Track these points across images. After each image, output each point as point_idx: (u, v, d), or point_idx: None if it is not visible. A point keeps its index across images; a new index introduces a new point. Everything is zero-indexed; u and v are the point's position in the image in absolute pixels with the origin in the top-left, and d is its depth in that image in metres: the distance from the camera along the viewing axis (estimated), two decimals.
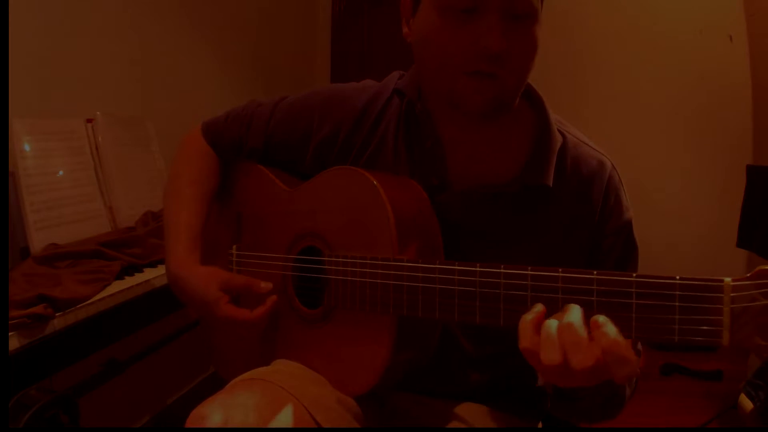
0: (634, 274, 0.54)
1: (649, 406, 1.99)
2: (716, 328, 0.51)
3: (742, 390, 1.56)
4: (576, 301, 0.56)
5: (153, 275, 1.30)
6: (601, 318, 0.53)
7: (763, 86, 2.52)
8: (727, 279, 0.50)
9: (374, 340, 0.73)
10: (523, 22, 0.69)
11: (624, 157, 1.01)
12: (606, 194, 0.78)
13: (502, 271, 0.61)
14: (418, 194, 0.78)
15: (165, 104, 2.01)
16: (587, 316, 0.55)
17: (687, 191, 2.73)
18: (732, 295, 0.50)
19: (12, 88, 1.21)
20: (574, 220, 0.78)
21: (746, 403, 1.51)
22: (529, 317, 0.57)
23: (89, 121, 1.52)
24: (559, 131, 0.79)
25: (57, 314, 1.04)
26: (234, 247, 0.96)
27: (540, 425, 0.94)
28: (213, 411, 0.67)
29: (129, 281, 1.25)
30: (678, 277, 0.52)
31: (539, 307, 0.57)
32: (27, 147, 1.33)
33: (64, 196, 1.38)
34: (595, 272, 0.56)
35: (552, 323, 0.55)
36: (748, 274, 0.50)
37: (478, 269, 0.63)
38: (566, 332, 0.54)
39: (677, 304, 0.52)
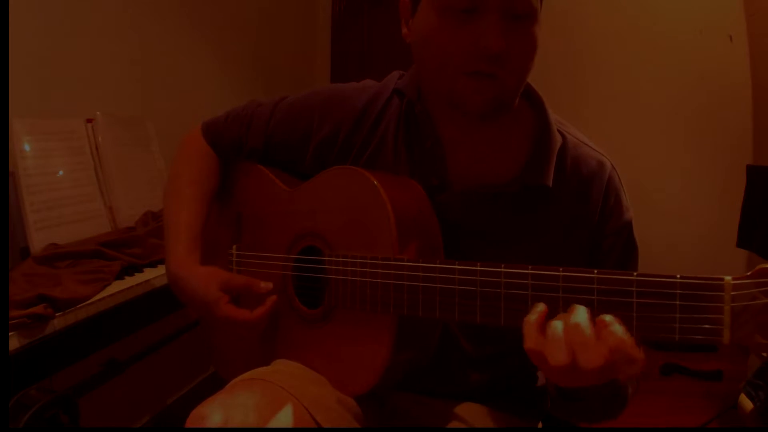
0: (635, 273, 0.54)
1: (649, 406, 1.99)
2: (717, 326, 0.51)
3: (742, 390, 1.56)
4: (577, 300, 0.57)
5: (153, 275, 1.30)
6: (608, 317, 0.53)
7: (763, 86, 2.52)
8: (728, 278, 0.50)
9: (374, 340, 0.73)
10: (523, 22, 0.69)
11: (624, 157, 1.01)
12: (606, 194, 0.78)
13: (502, 270, 0.61)
14: (418, 194, 0.78)
15: (165, 104, 2.01)
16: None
17: (687, 191, 2.73)
18: (732, 293, 0.50)
19: (12, 88, 1.21)
20: (574, 220, 0.78)
21: (746, 403, 1.51)
22: (532, 318, 0.57)
23: (89, 121, 1.52)
24: (559, 131, 0.79)
25: (57, 314, 1.04)
26: (234, 247, 0.96)
27: (540, 425, 0.94)
28: (213, 411, 0.66)
29: (129, 281, 1.25)
30: (678, 276, 0.52)
31: (541, 307, 0.57)
32: (27, 147, 1.33)
33: (64, 196, 1.38)
34: (595, 271, 0.56)
35: (558, 324, 0.55)
36: (749, 273, 0.50)
37: (478, 268, 0.63)
38: (573, 332, 0.53)
39: (678, 302, 0.52)
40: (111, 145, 1.54)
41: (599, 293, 0.56)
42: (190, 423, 0.66)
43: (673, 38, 2.65)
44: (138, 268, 1.33)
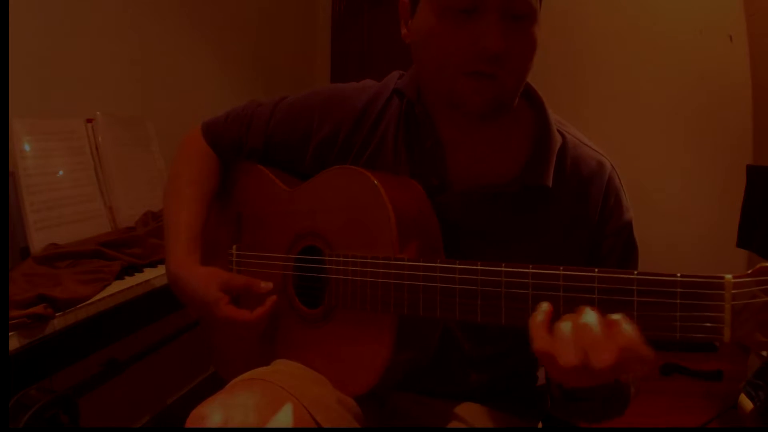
0: (636, 272, 0.54)
1: (649, 406, 1.99)
2: (717, 324, 0.51)
3: (742, 390, 1.56)
4: (577, 299, 0.57)
5: (153, 275, 1.30)
6: (617, 316, 0.53)
7: (763, 86, 2.52)
8: (728, 276, 0.50)
9: (375, 340, 0.73)
10: (522, 22, 0.69)
11: (624, 157, 1.01)
12: (606, 195, 0.78)
13: (503, 269, 0.61)
14: (419, 194, 0.78)
15: (165, 104, 2.01)
16: None
17: (687, 191, 2.73)
18: (733, 291, 0.50)
19: (12, 88, 1.21)
20: (574, 220, 0.78)
21: (746, 403, 1.51)
22: (539, 318, 0.56)
23: (89, 121, 1.52)
24: (559, 131, 0.79)
25: (57, 314, 1.04)
26: (234, 247, 0.96)
27: (540, 425, 0.94)
28: (213, 411, 0.66)
29: (129, 281, 1.25)
30: (679, 275, 0.52)
31: (546, 306, 0.57)
32: (27, 147, 1.33)
33: (64, 196, 1.38)
34: (596, 270, 0.56)
35: (566, 324, 0.54)
36: (749, 271, 0.50)
37: (479, 267, 0.63)
38: (583, 332, 0.53)
39: (678, 301, 0.52)
40: (111, 145, 1.54)
41: (600, 292, 0.56)
42: (190, 423, 0.66)
43: (673, 38, 2.65)
44: (138, 268, 1.33)
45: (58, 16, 1.56)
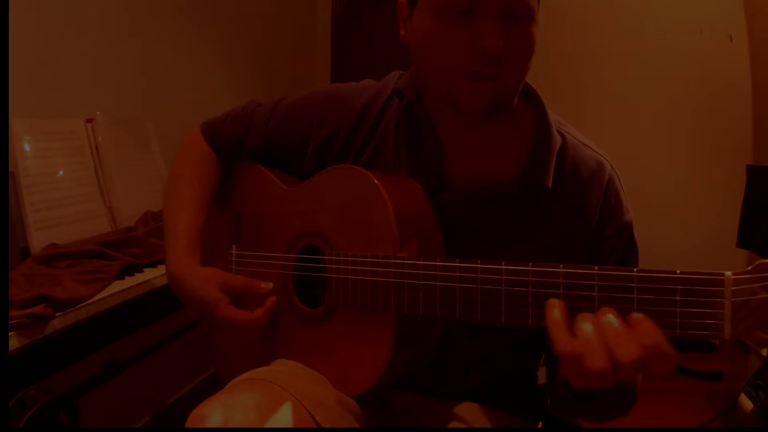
0: (635, 269, 0.54)
1: (649, 406, 1.99)
2: (717, 321, 0.51)
3: (742, 390, 1.56)
4: (577, 296, 0.56)
5: (153, 275, 1.30)
6: (639, 315, 0.53)
7: (763, 86, 2.52)
8: (728, 273, 0.50)
9: (375, 340, 0.73)
10: (520, 22, 0.69)
11: (624, 157, 1.01)
12: (605, 196, 0.78)
13: (503, 267, 0.61)
14: (418, 193, 0.78)
15: (165, 104, 2.01)
16: (589, 312, 0.55)
17: (687, 191, 2.73)
18: (733, 288, 0.50)
19: (12, 88, 1.21)
20: (574, 221, 0.78)
21: (746, 403, 1.51)
22: (556, 315, 0.55)
23: (89, 121, 1.52)
24: (559, 132, 0.79)
25: (57, 314, 1.04)
26: (234, 247, 0.96)
27: (540, 425, 0.94)
28: (213, 411, 0.66)
29: (129, 281, 1.25)
30: (679, 272, 0.52)
31: (558, 302, 0.56)
32: (27, 147, 1.33)
33: (64, 196, 1.38)
34: (596, 268, 0.56)
35: (588, 325, 0.53)
36: (749, 268, 0.50)
37: (479, 266, 0.63)
38: (607, 330, 0.52)
39: (678, 298, 0.52)
40: (111, 145, 1.55)
41: (600, 289, 0.56)
42: (190, 423, 0.66)
43: (673, 38, 2.64)
44: (138, 268, 1.33)
45: (58, 16, 1.56)
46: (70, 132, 1.46)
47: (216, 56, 2.36)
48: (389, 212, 0.71)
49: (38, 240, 1.28)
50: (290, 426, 0.68)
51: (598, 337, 0.52)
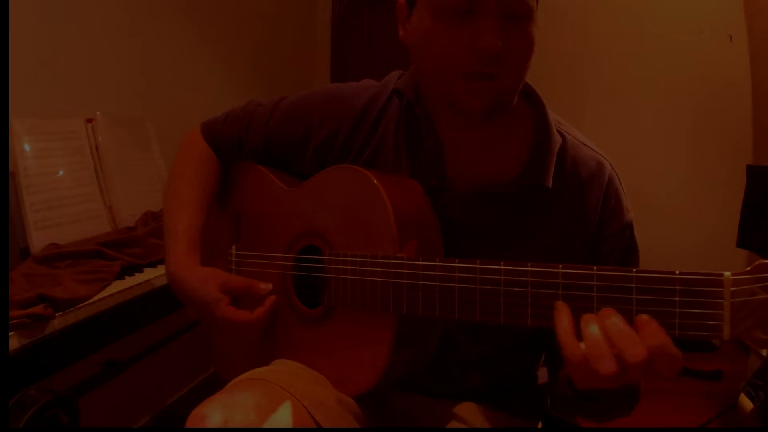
0: (634, 269, 0.54)
1: (649, 406, 1.99)
2: (716, 322, 0.51)
3: (742, 390, 1.56)
4: (576, 297, 0.57)
5: (153, 275, 1.30)
6: (644, 317, 0.53)
7: (763, 86, 2.52)
8: (727, 273, 0.50)
9: (375, 340, 0.73)
10: (519, 22, 0.68)
11: (624, 157, 1.01)
12: (606, 196, 0.78)
13: (502, 267, 0.61)
14: (418, 193, 0.78)
15: (165, 104, 2.01)
16: (589, 312, 0.55)
17: (687, 191, 2.73)
18: (732, 289, 0.50)
19: (12, 88, 1.21)
20: (574, 221, 0.78)
21: (746, 403, 1.51)
22: (565, 323, 0.55)
23: (89, 121, 1.52)
24: (559, 132, 0.79)
25: (57, 314, 1.04)
26: (233, 247, 0.96)
27: (540, 425, 0.94)
28: (213, 411, 0.66)
29: (129, 281, 1.25)
30: (678, 272, 0.52)
31: (567, 308, 0.56)
32: (27, 147, 1.33)
33: (64, 196, 1.38)
34: (595, 268, 0.56)
35: (594, 329, 0.53)
36: (748, 268, 0.50)
37: (478, 266, 0.63)
38: (613, 331, 0.52)
39: (677, 298, 0.52)
40: (111, 145, 1.55)
41: (599, 290, 0.56)
42: (190, 423, 0.66)
43: (673, 38, 2.64)
44: (138, 268, 1.33)
45: (58, 16, 1.56)
46: (70, 132, 1.46)
47: (216, 56, 2.36)
48: (389, 212, 0.71)
49: (38, 240, 1.28)
50: (289, 425, 0.68)
51: (606, 340, 0.53)
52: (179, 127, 1.07)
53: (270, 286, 0.85)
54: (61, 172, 1.39)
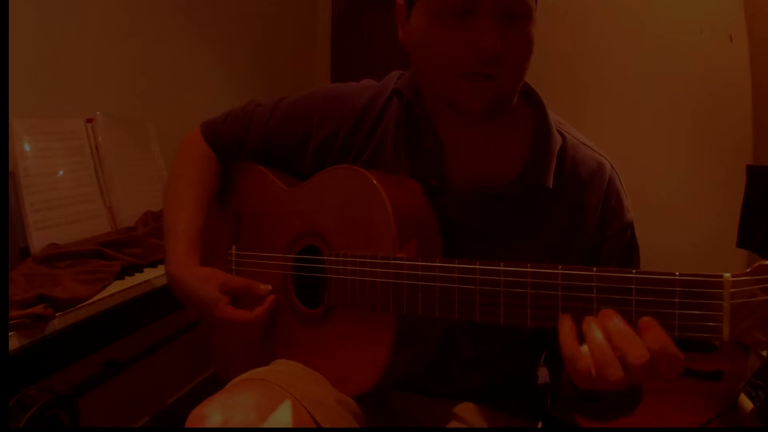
0: (634, 271, 0.54)
1: (649, 406, 1.99)
2: (716, 323, 0.51)
3: (742, 390, 1.56)
4: (576, 298, 0.57)
5: (153, 275, 1.30)
6: (646, 319, 0.53)
7: (763, 86, 2.52)
8: (727, 274, 0.50)
9: (374, 340, 0.73)
10: (518, 22, 0.68)
11: (624, 157, 1.01)
12: (606, 196, 0.78)
13: (501, 268, 0.61)
14: (418, 193, 0.78)
15: (165, 104, 2.01)
16: (589, 313, 0.55)
17: (687, 191, 2.73)
18: (732, 290, 0.50)
19: (12, 88, 1.21)
20: (574, 221, 0.78)
21: (746, 403, 1.51)
22: (570, 333, 0.55)
23: (89, 121, 1.52)
24: (559, 132, 0.79)
25: (57, 314, 1.04)
26: (233, 247, 0.96)
27: (540, 425, 0.94)
28: (213, 411, 0.66)
29: (129, 281, 1.25)
30: (677, 273, 0.52)
31: (570, 319, 0.56)
32: (27, 147, 1.33)
33: (64, 196, 1.38)
34: (594, 269, 0.56)
35: (597, 334, 0.54)
36: (748, 270, 0.50)
37: (477, 267, 0.63)
38: (615, 333, 0.53)
39: (677, 299, 0.52)
40: (111, 145, 1.55)
41: (599, 291, 0.56)
42: (189, 423, 0.66)
43: (673, 38, 2.64)
44: (138, 268, 1.33)
45: (58, 16, 1.56)
46: (70, 132, 1.46)
47: (216, 56, 2.36)
48: (388, 213, 0.71)
49: (38, 240, 1.28)
50: (290, 425, 0.68)
51: (609, 345, 0.53)
52: (179, 127, 1.07)
53: (269, 287, 0.85)
54: (61, 172, 1.39)
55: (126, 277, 1.27)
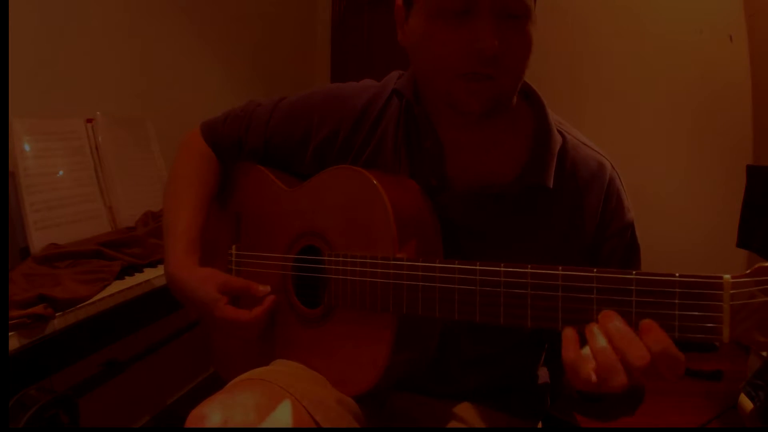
0: (634, 272, 0.54)
1: (650, 406, 1.99)
2: (716, 324, 0.51)
3: (742, 390, 1.56)
4: (576, 299, 0.57)
5: (153, 275, 1.30)
6: (648, 321, 0.53)
7: (763, 86, 2.52)
8: (727, 276, 0.50)
9: (374, 340, 0.73)
10: (517, 21, 0.68)
11: (624, 157, 1.01)
12: (607, 196, 0.78)
13: (501, 269, 0.61)
14: (418, 193, 0.78)
15: (165, 104, 2.01)
16: (589, 314, 0.55)
17: (687, 191, 2.73)
18: (731, 291, 0.50)
19: (12, 88, 1.21)
20: (575, 221, 0.78)
21: (746, 403, 1.51)
22: (575, 349, 0.55)
23: (89, 121, 1.52)
24: (559, 132, 0.79)
25: (57, 314, 1.04)
26: (233, 247, 0.96)
27: (540, 425, 0.94)
28: (212, 411, 0.66)
29: (129, 281, 1.25)
30: (677, 274, 0.52)
31: (571, 332, 0.56)
32: (27, 147, 1.33)
33: (64, 196, 1.38)
34: (595, 270, 0.56)
35: (601, 341, 0.54)
36: (748, 271, 0.50)
37: (478, 267, 0.63)
38: (615, 335, 0.53)
39: (677, 301, 0.52)
40: (111, 145, 1.55)
41: (599, 292, 0.56)
42: (189, 423, 0.66)
43: (673, 38, 2.64)
44: (138, 268, 1.33)
45: (58, 16, 1.56)
46: (70, 132, 1.46)
47: (216, 56, 2.36)
48: (388, 213, 0.71)
49: (38, 240, 1.28)
50: (289, 425, 0.68)
51: (612, 350, 0.53)
52: (179, 127, 1.07)
53: (268, 288, 0.85)
54: (61, 172, 1.39)
55: (126, 277, 1.27)
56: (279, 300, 0.86)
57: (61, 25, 1.57)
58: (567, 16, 2.70)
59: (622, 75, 2.74)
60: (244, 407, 0.67)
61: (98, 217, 1.47)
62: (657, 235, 2.26)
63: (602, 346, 0.53)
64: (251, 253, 0.93)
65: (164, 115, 1.90)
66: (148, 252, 1.38)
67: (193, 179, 0.95)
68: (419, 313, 0.68)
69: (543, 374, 0.94)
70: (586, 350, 0.55)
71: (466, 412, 0.85)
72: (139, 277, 1.28)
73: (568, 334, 0.56)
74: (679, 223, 2.69)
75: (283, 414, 0.69)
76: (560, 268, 0.58)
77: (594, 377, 0.54)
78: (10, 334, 0.95)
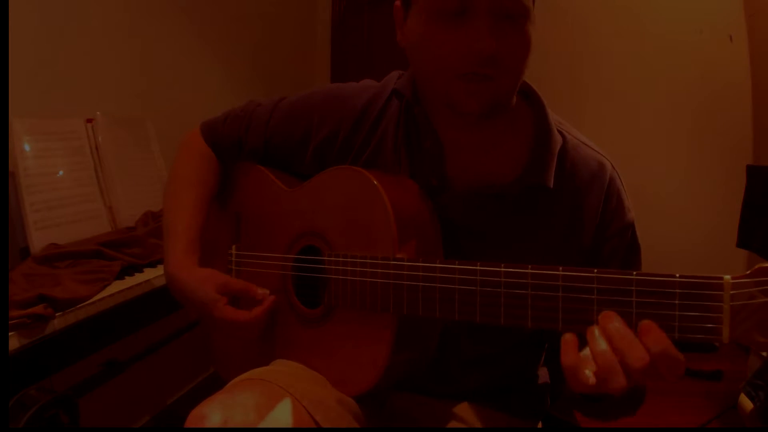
0: (634, 272, 0.54)
1: (649, 406, 1.99)
2: (716, 325, 0.51)
3: (742, 390, 1.56)
4: (576, 299, 0.57)
5: (153, 275, 1.30)
6: (647, 322, 0.53)
7: (763, 86, 2.52)
8: (727, 276, 0.50)
9: (375, 340, 0.73)
10: (516, 22, 0.68)
11: (624, 157, 1.01)
12: (607, 196, 0.78)
13: (502, 269, 0.61)
14: (418, 194, 0.78)
15: (165, 104, 2.01)
16: (589, 315, 0.55)
17: (687, 191, 2.73)
18: (732, 292, 0.50)
19: (12, 88, 1.21)
20: (575, 221, 0.78)
21: (746, 403, 1.51)
22: (573, 354, 0.55)
23: (89, 121, 1.52)
24: (559, 132, 0.79)
25: (57, 314, 1.04)
26: (233, 247, 0.96)
27: (540, 425, 0.94)
28: (212, 411, 0.66)
29: (129, 281, 1.25)
30: (678, 275, 0.52)
31: (570, 337, 0.56)
32: (27, 147, 1.33)
33: (64, 196, 1.38)
34: (595, 271, 0.56)
35: (602, 344, 0.54)
36: (748, 272, 0.50)
37: (478, 268, 0.63)
38: (615, 336, 0.53)
39: (677, 302, 0.52)
40: (111, 145, 1.55)
41: (599, 292, 0.56)
42: (189, 423, 0.66)
43: (673, 38, 2.64)
44: (138, 268, 1.33)
45: (58, 16, 1.56)
46: (70, 132, 1.46)
47: (216, 56, 2.36)
48: (389, 213, 0.71)
49: (38, 240, 1.28)
50: (289, 425, 0.68)
51: (612, 352, 0.53)
52: (179, 127, 1.07)
53: (267, 291, 0.85)
54: (61, 172, 1.39)
55: (126, 277, 1.27)
56: (279, 300, 0.86)
57: (61, 25, 1.57)
58: (567, 16, 2.70)
59: (622, 75, 2.74)
60: (244, 407, 0.67)
61: (98, 217, 1.47)
62: (657, 235, 2.26)
63: (602, 349, 0.54)
64: (251, 253, 0.93)
65: (164, 115, 1.90)
66: (148, 252, 1.38)
67: (193, 179, 0.95)
68: (419, 314, 0.68)
69: (543, 374, 0.94)
70: (586, 351, 0.55)
71: (466, 412, 0.85)
72: (139, 277, 1.28)
73: (567, 338, 0.56)
74: (679, 223, 2.69)
75: (283, 414, 0.69)
76: (560, 268, 0.58)
77: (593, 379, 0.54)
78: (10, 334, 0.95)
